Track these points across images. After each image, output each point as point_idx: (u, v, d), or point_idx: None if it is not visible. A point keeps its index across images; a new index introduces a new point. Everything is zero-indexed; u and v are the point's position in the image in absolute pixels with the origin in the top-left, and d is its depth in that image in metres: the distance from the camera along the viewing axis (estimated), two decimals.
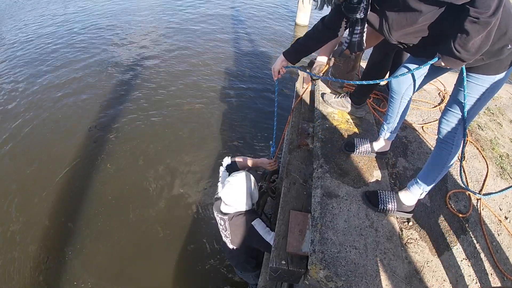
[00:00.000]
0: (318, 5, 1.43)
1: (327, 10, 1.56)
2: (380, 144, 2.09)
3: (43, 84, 9.26)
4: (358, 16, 1.37)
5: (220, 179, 2.50)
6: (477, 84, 1.44)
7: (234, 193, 2.14)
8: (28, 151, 6.54)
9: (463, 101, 1.48)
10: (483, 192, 2.20)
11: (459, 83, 1.50)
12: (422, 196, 1.76)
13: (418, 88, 1.83)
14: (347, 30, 1.52)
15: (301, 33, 13.98)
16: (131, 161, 6.03)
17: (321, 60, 2.43)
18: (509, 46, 1.28)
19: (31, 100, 8.54)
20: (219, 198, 2.34)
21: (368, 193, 1.82)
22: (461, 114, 1.52)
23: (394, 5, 1.27)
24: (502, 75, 1.41)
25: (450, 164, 1.65)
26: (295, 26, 14.70)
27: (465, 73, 1.43)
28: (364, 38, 1.49)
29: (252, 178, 2.34)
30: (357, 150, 2.08)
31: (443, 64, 1.34)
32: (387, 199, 1.78)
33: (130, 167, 5.91)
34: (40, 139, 6.89)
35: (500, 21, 1.20)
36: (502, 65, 1.37)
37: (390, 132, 2.03)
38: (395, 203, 1.78)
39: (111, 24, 15.03)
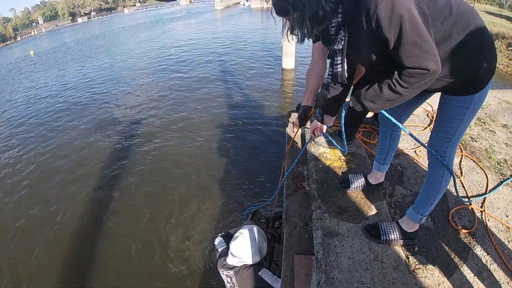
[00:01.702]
0: (299, 39, 1.48)
1: (308, 42, 1.63)
2: (374, 177, 2.15)
3: (45, 145, 9.92)
4: (336, 47, 1.44)
5: (217, 246, 2.56)
6: (458, 106, 1.48)
7: (245, 245, 2.19)
8: (35, 210, 6.83)
9: (447, 125, 1.53)
10: (486, 203, 2.21)
11: (440, 107, 1.56)
12: (423, 221, 1.77)
13: (407, 117, 1.92)
14: (329, 62, 1.61)
15: (288, 77, 14.55)
16: (135, 218, 6.25)
17: (306, 106, 2.58)
18: (485, 64, 1.33)
19: (36, 160, 9.02)
20: (222, 255, 2.39)
21: (368, 226, 1.87)
22: (447, 137, 1.56)
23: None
24: (482, 91, 1.45)
25: (445, 186, 1.68)
26: (282, 71, 15.33)
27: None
28: (345, 68, 1.53)
29: (263, 233, 2.40)
30: (352, 186, 2.15)
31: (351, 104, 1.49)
32: (388, 230, 1.81)
33: (134, 224, 6.10)
34: (46, 199, 7.18)
35: (474, 40, 1.28)
36: (480, 84, 1.40)
37: (384, 164, 2.09)
38: (397, 232, 1.80)
39: (107, 85, 16.01)
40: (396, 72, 1.24)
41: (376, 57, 1.34)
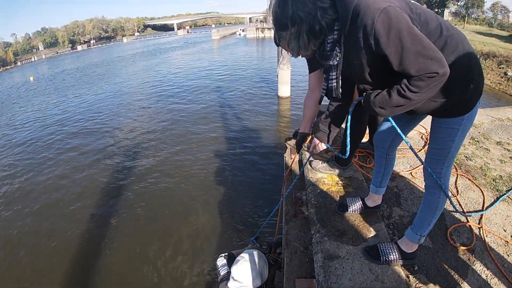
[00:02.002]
0: (295, 52, 1.50)
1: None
2: (372, 199, 2.20)
3: (42, 173, 9.88)
4: (331, 62, 1.48)
5: (219, 268, 2.57)
6: (448, 128, 1.54)
7: (246, 269, 2.21)
8: (33, 237, 6.88)
9: (440, 147, 1.59)
10: (484, 220, 2.25)
11: (432, 130, 1.63)
12: (422, 241, 1.81)
13: (401, 139, 1.93)
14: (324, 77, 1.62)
15: (284, 104, 14.81)
16: (131, 246, 6.29)
17: (304, 132, 2.66)
18: (471, 85, 1.39)
19: (33, 185, 8.97)
20: (224, 279, 2.40)
21: (368, 248, 1.90)
22: (441, 158, 1.62)
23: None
24: (471, 112, 1.51)
25: (442, 207, 1.72)
26: (278, 99, 15.62)
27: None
28: (340, 83, 1.56)
29: (265, 258, 2.43)
30: (350, 209, 2.20)
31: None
32: (387, 251, 1.85)
33: (130, 251, 6.16)
34: (43, 225, 7.29)
35: (462, 62, 1.33)
36: (468, 105, 1.47)
37: (380, 186, 2.14)
38: (396, 253, 1.84)
39: (106, 112, 16.28)
40: (404, 79, 1.25)
41: (370, 75, 1.39)
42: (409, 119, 1.83)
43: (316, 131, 2.03)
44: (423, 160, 1.72)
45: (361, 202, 2.23)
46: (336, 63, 1.47)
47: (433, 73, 1.17)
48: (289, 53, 2.27)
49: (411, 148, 1.70)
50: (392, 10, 1.17)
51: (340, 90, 1.59)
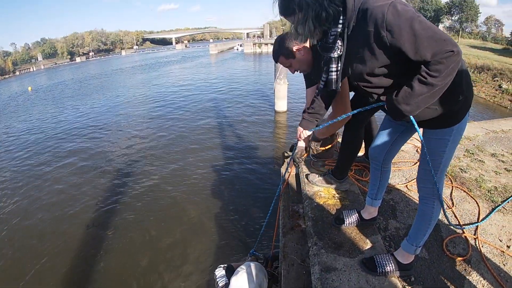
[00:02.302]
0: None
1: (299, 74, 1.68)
2: (368, 212, 2.23)
3: (39, 180, 9.95)
4: (332, 55, 1.50)
5: (217, 279, 2.57)
6: (439, 139, 1.58)
7: (245, 281, 2.22)
8: (28, 247, 6.83)
9: (431, 158, 1.62)
10: (479, 230, 2.28)
11: (424, 142, 1.66)
12: (418, 252, 1.84)
13: (396, 152, 2.01)
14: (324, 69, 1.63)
15: (281, 119, 14.93)
16: (129, 255, 6.31)
17: (301, 145, 2.70)
18: (461, 97, 1.44)
19: (27, 196, 8.95)
20: None
21: (364, 260, 1.92)
22: (434, 169, 1.64)
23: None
24: (460, 123, 1.54)
25: (436, 217, 1.75)
26: (275, 113, 15.76)
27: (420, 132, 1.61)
28: (340, 77, 1.58)
29: (264, 271, 2.44)
30: (346, 222, 2.22)
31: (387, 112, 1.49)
32: (384, 262, 1.87)
33: (128, 261, 6.16)
34: (39, 235, 7.24)
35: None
36: (458, 116, 1.50)
37: (376, 199, 2.17)
38: (393, 264, 1.86)
39: (104, 124, 16.34)
40: (422, 66, 1.26)
41: (370, 70, 1.42)
42: (402, 131, 1.87)
43: (301, 120, 2.10)
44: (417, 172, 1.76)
45: (357, 214, 2.25)
46: (337, 56, 1.50)
47: (449, 51, 1.19)
48: (288, 69, 2.36)
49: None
50: (398, 3, 1.24)
51: (340, 83, 1.62)
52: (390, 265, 1.86)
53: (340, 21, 1.40)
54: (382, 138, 1.96)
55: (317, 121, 2.07)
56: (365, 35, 1.32)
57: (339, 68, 1.55)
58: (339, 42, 1.45)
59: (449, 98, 1.44)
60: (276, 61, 2.45)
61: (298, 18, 1.41)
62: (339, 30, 1.42)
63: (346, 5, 1.36)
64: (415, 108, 1.37)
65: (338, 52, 1.48)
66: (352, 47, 1.43)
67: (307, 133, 2.09)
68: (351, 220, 2.23)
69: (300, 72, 2.47)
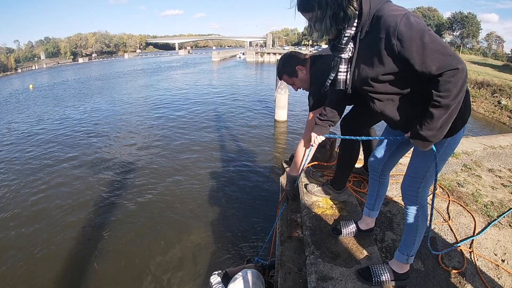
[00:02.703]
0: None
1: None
2: (365, 222, 2.26)
3: (36, 183, 10.05)
4: (343, 56, 1.54)
5: (213, 285, 2.56)
6: (429, 149, 1.59)
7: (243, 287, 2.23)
8: (23, 246, 6.84)
9: (420, 165, 1.68)
10: (475, 244, 2.31)
11: (414, 150, 1.73)
12: (411, 261, 1.86)
13: (394, 164, 2.06)
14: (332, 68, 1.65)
15: (280, 128, 15.01)
16: (124, 257, 6.34)
17: (294, 176, 2.68)
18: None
19: (24, 195, 9.01)
20: None
21: (360, 270, 1.95)
22: (420, 176, 1.70)
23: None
24: (453, 137, 1.58)
25: (423, 225, 1.79)
26: (274, 122, 15.83)
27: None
28: (349, 77, 1.60)
29: (262, 278, 2.45)
30: (344, 232, 2.25)
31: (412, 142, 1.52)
32: (379, 272, 1.89)
33: (123, 263, 6.19)
34: (35, 234, 7.27)
35: None
36: (452, 129, 1.50)
37: (373, 210, 2.21)
38: (388, 274, 1.88)
39: (104, 125, 16.45)
40: (432, 92, 1.30)
41: (375, 75, 1.46)
42: (401, 143, 1.91)
43: (314, 126, 2.11)
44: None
45: (354, 225, 2.28)
46: (347, 57, 1.54)
47: (454, 69, 1.24)
48: (292, 86, 2.40)
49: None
50: (411, 15, 1.30)
51: (349, 86, 1.64)
52: (386, 274, 1.89)
53: (355, 24, 1.45)
54: (381, 149, 2.01)
55: (330, 126, 2.09)
56: (376, 41, 1.37)
57: (348, 69, 1.59)
58: (351, 45, 1.50)
59: None
60: (280, 79, 2.55)
61: (317, 15, 1.46)
62: (352, 32, 1.47)
63: (362, 10, 1.41)
64: (439, 133, 1.40)
65: (349, 54, 1.53)
66: (362, 51, 1.48)
67: (321, 138, 2.10)
68: (348, 230, 2.26)
69: (302, 90, 2.55)
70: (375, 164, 2.06)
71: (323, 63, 2.32)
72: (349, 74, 1.60)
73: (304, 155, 2.40)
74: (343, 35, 1.49)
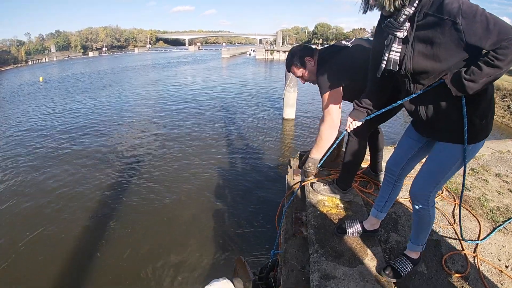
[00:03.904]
0: (378, 5, 1.54)
1: (370, 14, 1.66)
2: (370, 223, 2.28)
3: (44, 174, 10.13)
4: (398, 35, 1.53)
5: None
6: (451, 154, 1.66)
7: None
8: (31, 233, 7.00)
9: (437, 169, 1.73)
10: (479, 249, 2.31)
11: (432, 153, 1.77)
12: (424, 248, 2.00)
13: (411, 169, 2.07)
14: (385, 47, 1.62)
15: (288, 126, 14.98)
16: (129, 249, 6.43)
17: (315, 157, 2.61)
18: (484, 121, 1.56)
19: (32, 185, 9.19)
20: None
21: (387, 271, 1.97)
22: (434, 181, 1.75)
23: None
24: (475, 145, 1.63)
25: (434, 218, 1.88)
26: (283, 120, 15.82)
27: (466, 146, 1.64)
28: (405, 58, 1.57)
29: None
30: (349, 232, 2.26)
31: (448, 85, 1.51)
32: (404, 266, 1.98)
33: (128, 255, 6.28)
34: (44, 221, 7.44)
35: (489, 93, 1.53)
36: (477, 136, 1.59)
37: (381, 212, 2.23)
38: (410, 264, 2.00)
39: (112, 119, 16.62)
40: (490, 51, 1.34)
41: (433, 54, 1.47)
42: (420, 148, 1.93)
43: (351, 111, 2.12)
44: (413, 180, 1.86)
45: (359, 225, 2.29)
46: (402, 36, 1.53)
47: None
48: (299, 79, 2.42)
49: None
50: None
51: (406, 65, 1.60)
52: (409, 265, 1.99)
53: (415, 4, 1.46)
54: (400, 152, 2.04)
55: (368, 112, 2.07)
56: (439, 23, 1.40)
57: (400, 50, 1.57)
58: (407, 25, 1.50)
59: (481, 113, 1.55)
60: (288, 71, 2.56)
61: None
62: (411, 12, 1.47)
63: None
64: (478, 87, 1.42)
65: (404, 34, 1.52)
66: (421, 33, 1.48)
67: (356, 123, 2.11)
68: (353, 230, 2.27)
69: (310, 83, 2.55)
70: (393, 167, 2.08)
71: (332, 52, 2.38)
72: (402, 55, 1.58)
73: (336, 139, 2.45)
74: (401, 13, 1.48)
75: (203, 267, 5.98)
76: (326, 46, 2.59)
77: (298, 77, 2.55)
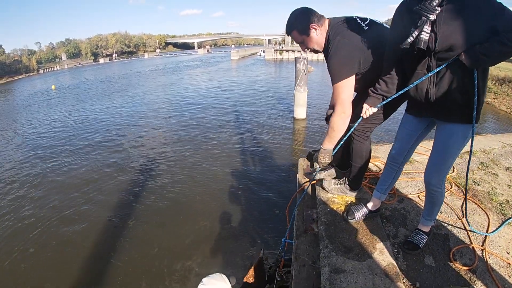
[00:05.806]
0: None
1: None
2: (373, 204, 2.49)
3: (63, 175, 10.69)
4: (431, 17, 1.60)
5: None
6: (461, 135, 1.84)
7: None
8: (45, 235, 7.38)
9: (448, 153, 1.90)
10: (488, 242, 2.34)
11: (440, 140, 1.93)
12: (433, 223, 2.28)
13: (413, 152, 2.26)
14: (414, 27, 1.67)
15: (299, 126, 15.01)
16: (145, 249, 6.67)
17: (329, 148, 2.44)
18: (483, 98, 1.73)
19: (52, 189, 9.64)
20: None
21: (405, 245, 2.26)
22: (447, 165, 1.97)
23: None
24: (474, 125, 1.79)
25: (443, 197, 2.12)
26: (293, 120, 15.84)
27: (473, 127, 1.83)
28: (433, 37, 1.64)
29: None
30: (357, 216, 2.45)
31: (462, 58, 1.61)
32: (420, 239, 2.25)
33: (143, 256, 6.50)
34: (62, 222, 7.81)
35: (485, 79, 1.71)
36: (478, 116, 1.75)
37: (385, 193, 2.44)
38: (424, 236, 2.26)
39: (126, 124, 16.92)
40: (503, 34, 1.47)
41: (463, 35, 1.58)
42: (423, 130, 2.11)
43: (367, 98, 2.18)
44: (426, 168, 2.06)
45: (365, 207, 2.49)
46: (432, 19, 1.60)
47: None
48: (300, 45, 2.35)
49: None
50: None
51: (434, 45, 1.67)
52: (424, 237, 2.25)
53: None
54: (403, 140, 2.19)
55: (383, 98, 2.11)
56: (466, 5, 1.55)
57: (429, 31, 1.64)
58: (438, 8, 1.59)
59: (483, 94, 1.74)
60: (288, 34, 2.33)
61: None
62: None
63: None
64: (491, 62, 1.59)
65: (435, 16, 1.60)
66: (449, 15, 1.59)
67: (373, 110, 2.16)
68: (360, 214, 2.46)
69: (310, 52, 2.40)
70: (397, 156, 2.25)
71: (348, 29, 2.16)
72: (431, 37, 1.65)
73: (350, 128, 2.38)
74: None
75: (215, 262, 6.21)
76: (339, 19, 2.27)
77: (298, 43, 2.33)
